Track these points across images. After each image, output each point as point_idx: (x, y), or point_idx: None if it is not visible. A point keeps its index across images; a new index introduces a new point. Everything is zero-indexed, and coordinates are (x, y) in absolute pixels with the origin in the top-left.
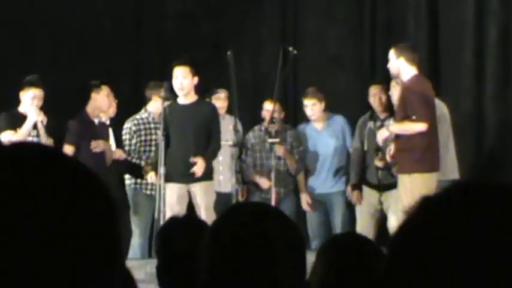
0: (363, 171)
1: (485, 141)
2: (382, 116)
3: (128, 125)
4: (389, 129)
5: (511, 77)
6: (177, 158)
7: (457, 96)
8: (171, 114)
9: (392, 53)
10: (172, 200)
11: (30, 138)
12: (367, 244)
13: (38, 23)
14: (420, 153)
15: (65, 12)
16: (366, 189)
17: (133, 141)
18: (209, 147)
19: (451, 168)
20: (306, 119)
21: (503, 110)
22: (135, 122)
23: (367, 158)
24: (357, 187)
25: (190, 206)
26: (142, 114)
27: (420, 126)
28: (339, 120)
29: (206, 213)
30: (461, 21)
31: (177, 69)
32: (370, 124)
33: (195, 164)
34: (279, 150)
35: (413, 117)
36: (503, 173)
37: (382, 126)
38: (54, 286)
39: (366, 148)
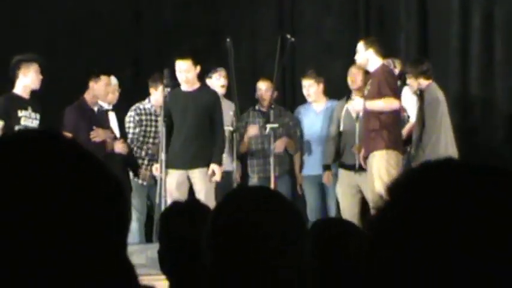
0: (339, 153)
1: (470, 121)
2: (359, 96)
3: (131, 113)
4: (367, 107)
5: (494, 60)
6: (178, 145)
7: (444, 79)
8: (174, 101)
9: (361, 45)
10: (171, 186)
11: (33, 121)
12: (348, 228)
13: (37, 12)
14: (395, 133)
15: (65, 2)
16: (343, 172)
17: (137, 130)
18: (214, 141)
19: (443, 151)
20: (305, 101)
21: (487, 91)
22: (138, 111)
23: (344, 140)
24: (328, 168)
25: (192, 192)
26: (145, 105)
27: (396, 103)
28: (335, 105)
29: (206, 199)
30: (448, 10)
31: (179, 63)
32: (348, 106)
33: (213, 174)
34: (281, 145)
35: (391, 93)
36: (487, 150)
37: None
38: (57, 284)
39: (341, 129)
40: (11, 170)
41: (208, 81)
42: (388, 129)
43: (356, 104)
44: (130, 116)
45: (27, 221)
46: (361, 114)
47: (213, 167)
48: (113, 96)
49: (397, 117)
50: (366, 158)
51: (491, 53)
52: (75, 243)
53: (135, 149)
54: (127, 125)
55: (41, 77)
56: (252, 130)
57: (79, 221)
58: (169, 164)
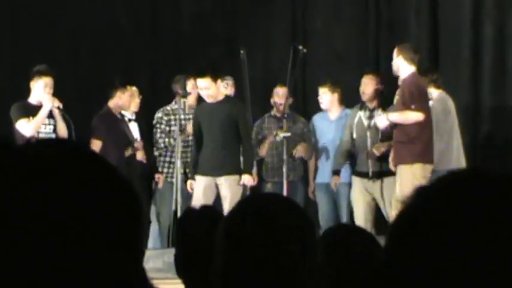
0: (352, 159)
1: (482, 131)
2: (371, 105)
3: (158, 114)
4: (389, 118)
5: (506, 71)
6: (207, 153)
7: (455, 90)
8: (201, 113)
9: (394, 52)
10: (198, 191)
11: (47, 127)
12: (361, 235)
13: (59, 21)
14: (421, 145)
15: (85, 12)
16: (357, 179)
17: (163, 126)
18: (243, 150)
19: (455, 158)
20: (317, 109)
21: (498, 102)
22: (166, 111)
23: (357, 147)
24: (337, 173)
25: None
26: (172, 106)
27: (418, 116)
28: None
29: (230, 206)
30: (459, 20)
31: (199, 82)
32: (360, 114)
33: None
34: (301, 149)
35: (412, 106)
36: (499, 160)
37: (371, 116)
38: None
39: (354, 137)
40: (27, 179)
41: None
42: (414, 142)
43: (379, 121)
44: (157, 118)
45: (39, 228)
46: (382, 127)
47: (244, 177)
48: (135, 104)
49: (425, 128)
50: (395, 166)
51: (503, 63)
52: (87, 254)
53: (161, 145)
54: (156, 125)
55: (48, 91)
56: (262, 150)
57: (92, 232)
58: (198, 171)
